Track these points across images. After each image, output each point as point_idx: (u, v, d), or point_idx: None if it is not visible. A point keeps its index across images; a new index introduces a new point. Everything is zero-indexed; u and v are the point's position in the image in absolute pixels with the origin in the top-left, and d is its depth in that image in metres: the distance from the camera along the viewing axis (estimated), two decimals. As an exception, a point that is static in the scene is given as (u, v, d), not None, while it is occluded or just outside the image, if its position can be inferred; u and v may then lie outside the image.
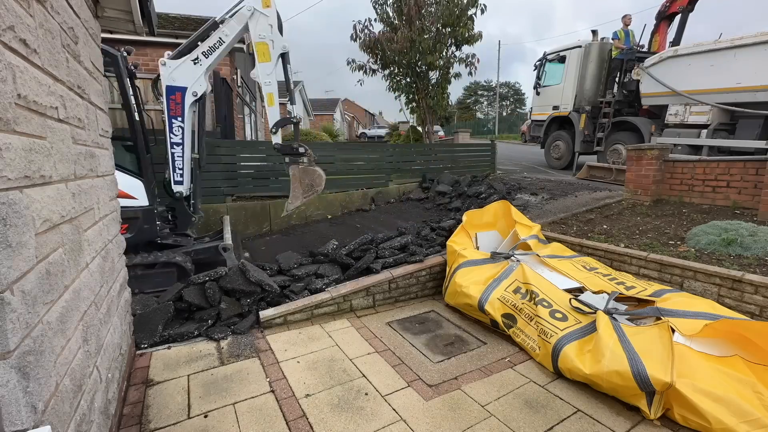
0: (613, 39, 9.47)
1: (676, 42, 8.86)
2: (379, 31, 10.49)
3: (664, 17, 9.07)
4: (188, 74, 4.09)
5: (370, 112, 50.84)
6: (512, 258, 3.65)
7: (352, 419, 2.26)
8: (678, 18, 8.86)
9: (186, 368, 2.75)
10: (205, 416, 2.27)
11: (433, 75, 10.83)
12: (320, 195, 7.21)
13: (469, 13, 9.92)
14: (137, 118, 4.15)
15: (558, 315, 2.88)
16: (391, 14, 10.42)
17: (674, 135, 8.01)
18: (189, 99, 4.13)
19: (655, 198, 5.58)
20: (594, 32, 10.23)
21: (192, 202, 4.59)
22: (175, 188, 4.34)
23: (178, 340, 3.11)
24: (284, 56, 4.14)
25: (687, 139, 7.79)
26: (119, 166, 3.67)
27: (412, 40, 9.66)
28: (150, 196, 4.14)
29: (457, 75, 10.78)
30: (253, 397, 2.44)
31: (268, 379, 2.63)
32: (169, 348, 3.01)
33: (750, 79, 6.83)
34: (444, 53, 10.36)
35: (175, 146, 4.25)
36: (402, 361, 2.88)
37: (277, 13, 4.04)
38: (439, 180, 8.33)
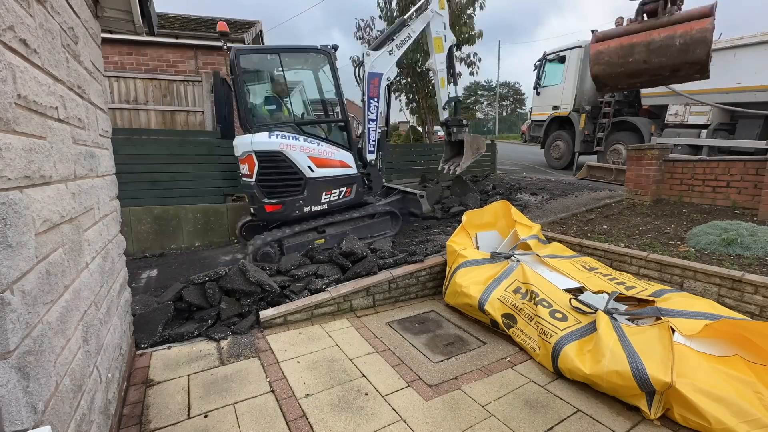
0: None
1: None
2: (379, 31, 10.48)
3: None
4: (385, 63, 5.05)
5: (370, 112, 50.75)
6: (512, 258, 3.65)
7: (352, 419, 2.26)
8: None
9: (186, 368, 2.75)
10: (205, 416, 2.27)
11: (428, 64, 10.83)
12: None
13: (468, 11, 9.92)
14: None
15: (558, 315, 2.88)
16: (394, 11, 10.41)
17: (674, 135, 8.02)
18: (384, 83, 5.10)
19: (655, 198, 5.58)
20: (594, 32, 10.22)
21: (380, 167, 5.54)
22: (369, 157, 5.22)
23: (178, 340, 3.11)
24: (452, 48, 5.57)
25: (687, 139, 7.80)
26: (337, 144, 4.89)
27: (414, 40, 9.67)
28: (356, 164, 5.08)
29: (458, 75, 10.78)
30: (253, 397, 2.44)
31: (268, 379, 2.63)
32: (169, 348, 3.01)
33: (750, 79, 6.84)
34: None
35: (371, 122, 5.10)
36: (402, 361, 2.88)
37: (449, 11, 5.34)
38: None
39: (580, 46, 9.96)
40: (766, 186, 4.32)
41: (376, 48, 5.03)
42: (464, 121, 5.81)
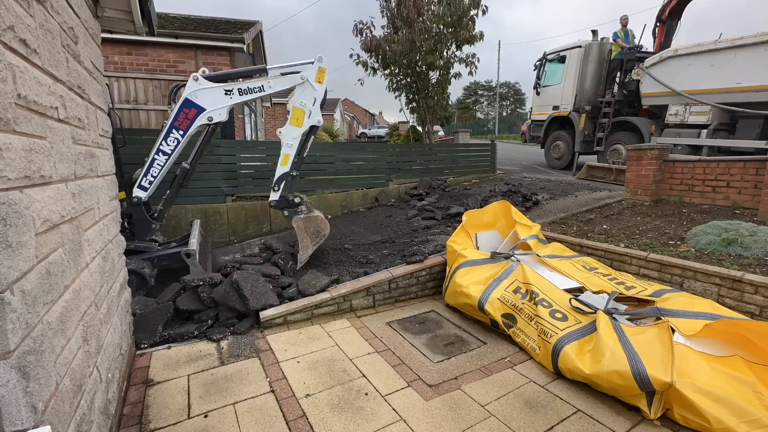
0: (613, 39, 9.49)
1: (665, 44, 8.93)
2: (382, 27, 10.49)
3: (660, 20, 9.10)
4: (214, 100, 4.11)
5: (370, 112, 50.88)
6: (512, 258, 3.65)
7: (352, 419, 2.26)
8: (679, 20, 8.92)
9: (186, 368, 2.75)
10: (205, 416, 2.27)
11: (434, 75, 10.83)
12: (320, 195, 7.23)
13: (471, 14, 9.92)
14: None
15: (558, 315, 2.88)
16: (393, 9, 10.41)
17: (674, 135, 8.01)
18: (201, 120, 4.12)
19: (655, 198, 5.58)
20: (594, 32, 10.24)
21: (160, 209, 4.50)
22: (136, 191, 4.18)
23: (178, 340, 3.11)
24: (312, 129, 4.41)
25: (687, 139, 7.80)
26: None
27: (413, 41, 9.67)
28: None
29: (458, 75, 10.78)
30: (253, 397, 2.44)
31: (268, 379, 2.63)
32: (169, 348, 3.01)
33: (750, 79, 6.83)
34: (444, 53, 10.36)
35: (160, 154, 4.16)
36: (402, 361, 2.88)
37: (326, 91, 4.31)
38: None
39: (580, 46, 9.96)
40: (766, 186, 4.32)
41: (215, 79, 4.12)
42: (297, 199, 4.54)
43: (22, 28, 1.20)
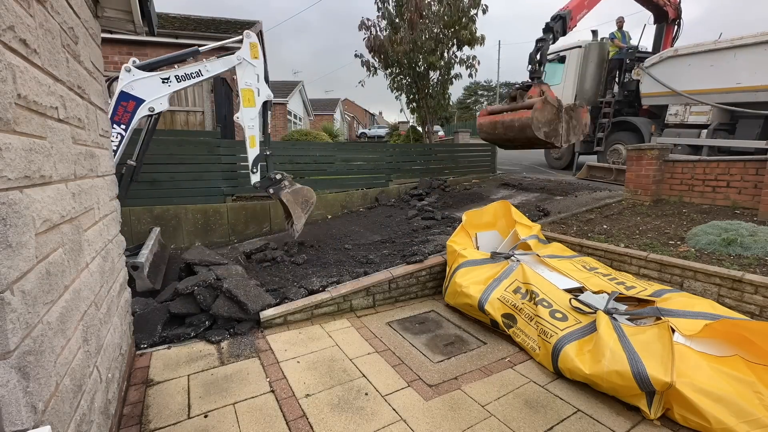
0: (610, 39, 9.51)
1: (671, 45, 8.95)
2: (384, 36, 10.49)
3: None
4: (152, 89, 4.02)
5: (370, 112, 50.85)
6: (512, 258, 3.65)
7: (352, 419, 2.26)
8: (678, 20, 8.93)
9: (186, 368, 2.75)
10: (205, 416, 2.27)
11: (434, 75, 10.84)
12: (320, 195, 7.23)
13: (471, 13, 9.93)
14: None
15: (558, 315, 2.88)
16: (392, 11, 10.42)
17: (674, 135, 8.02)
18: (142, 112, 4.02)
19: (655, 198, 5.58)
20: (594, 32, 10.23)
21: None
22: None
23: (177, 341, 3.11)
24: (266, 104, 4.55)
25: (687, 139, 7.80)
26: None
27: (414, 41, 9.67)
28: None
29: (458, 76, 10.79)
30: (253, 397, 2.44)
31: (268, 379, 2.63)
32: (169, 348, 3.01)
33: (750, 79, 6.83)
34: (445, 54, 10.37)
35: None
36: (402, 361, 2.88)
37: (265, 64, 4.38)
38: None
39: (580, 46, 9.95)
40: (766, 186, 4.32)
41: (148, 67, 4.04)
42: (278, 175, 4.79)
43: (22, 28, 1.20)
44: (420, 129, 12.85)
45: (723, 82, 7.19)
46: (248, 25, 9.64)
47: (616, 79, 9.59)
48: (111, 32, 2.85)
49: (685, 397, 2.11)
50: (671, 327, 2.42)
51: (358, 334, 3.30)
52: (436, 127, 15.65)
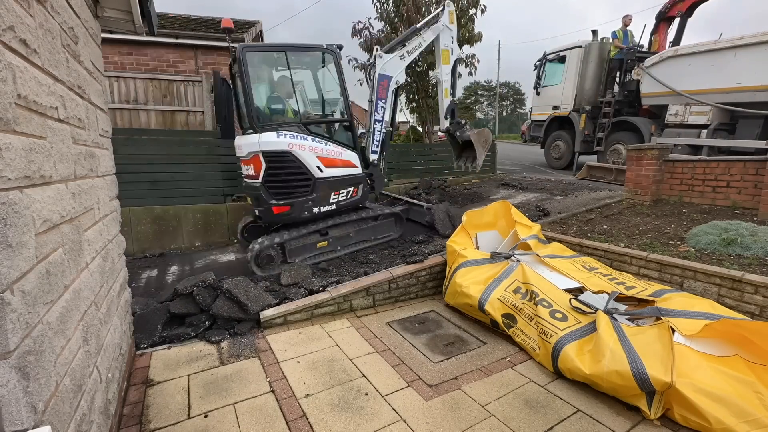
0: (612, 39, 9.48)
1: (675, 43, 8.89)
2: (379, 30, 10.48)
3: (663, 18, 9.09)
4: (395, 67, 5.17)
5: (370, 112, 50.71)
6: (512, 258, 3.65)
7: (352, 419, 2.26)
8: (677, 20, 8.90)
9: (186, 368, 2.75)
10: (205, 416, 2.27)
11: (433, 75, 10.82)
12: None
13: (470, 13, 9.92)
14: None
15: (558, 315, 2.88)
16: (390, 11, 10.41)
17: (674, 135, 8.01)
18: (393, 86, 5.20)
19: (655, 198, 5.58)
20: (594, 32, 10.24)
21: (383, 167, 5.49)
22: (372, 157, 5.21)
23: (178, 341, 3.11)
24: (457, 61, 5.78)
25: (687, 139, 7.80)
26: (343, 144, 4.86)
27: None
28: (363, 165, 5.08)
29: (458, 75, 10.78)
30: (253, 397, 2.44)
31: (268, 379, 2.63)
32: (169, 348, 3.01)
33: (750, 79, 6.83)
34: (444, 53, 10.36)
35: (377, 122, 5.16)
36: (402, 361, 2.88)
37: (457, 28, 5.60)
38: None
39: (580, 46, 9.95)
40: (766, 186, 4.32)
41: (389, 51, 5.15)
42: (462, 121, 6.06)
43: (22, 28, 1.20)
44: (420, 129, 12.84)
45: (723, 82, 7.19)
46: (248, 25, 9.64)
47: (617, 79, 9.59)
48: (111, 32, 2.85)
49: (685, 397, 2.11)
50: (671, 327, 2.42)
51: (358, 334, 3.30)
52: (436, 127, 15.65)
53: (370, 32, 10.34)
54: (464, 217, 4.41)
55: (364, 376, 2.69)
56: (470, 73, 10.69)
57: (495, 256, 3.81)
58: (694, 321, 2.50)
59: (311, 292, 3.66)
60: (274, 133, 4.32)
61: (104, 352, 1.94)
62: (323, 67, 5.09)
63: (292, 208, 4.48)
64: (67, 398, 1.37)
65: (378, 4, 10.51)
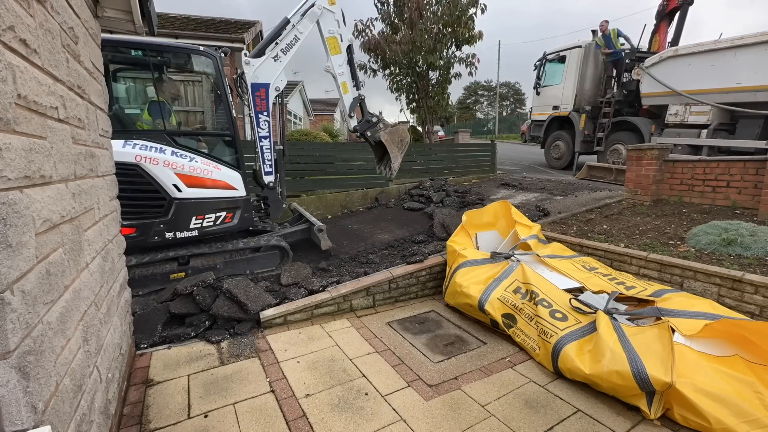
0: (596, 49, 9.52)
1: (676, 37, 8.87)
2: (380, 32, 10.48)
3: (663, 16, 9.08)
4: (270, 71, 4.39)
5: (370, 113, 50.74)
6: (512, 258, 3.65)
7: (352, 419, 2.26)
8: (678, 14, 8.87)
9: (186, 368, 2.75)
10: (205, 416, 2.27)
11: (434, 75, 10.83)
12: (319, 195, 7.23)
13: (470, 12, 9.93)
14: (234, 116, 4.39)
15: (558, 315, 2.88)
16: (392, 13, 10.41)
17: (674, 135, 8.02)
18: (272, 94, 4.43)
19: (655, 198, 5.58)
20: (594, 32, 10.24)
21: (279, 190, 4.85)
22: (266, 178, 4.65)
23: (178, 341, 3.11)
24: (350, 48, 4.73)
25: (687, 139, 7.80)
26: (221, 160, 4.21)
27: (413, 41, 9.67)
28: (246, 187, 4.43)
29: (458, 75, 10.79)
30: (253, 397, 2.44)
31: (268, 379, 2.63)
32: (169, 348, 3.01)
33: (750, 79, 6.84)
34: (444, 53, 10.36)
35: (263, 139, 4.52)
36: (402, 361, 2.88)
37: (341, 8, 4.59)
38: None
39: (580, 46, 9.96)
40: (766, 186, 4.32)
41: (258, 54, 4.33)
42: (374, 118, 5.02)
43: (22, 28, 1.20)
44: (420, 129, 12.85)
45: (723, 82, 7.20)
46: (248, 25, 9.65)
47: (616, 79, 9.59)
48: (111, 32, 2.85)
49: (685, 397, 2.11)
50: (671, 327, 2.42)
51: (358, 334, 3.30)
52: (436, 127, 15.64)
53: (371, 31, 10.34)
54: (464, 217, 4.41)
55: (364, 376, 2.69)
56: (470, 73, 10.69)
57: (495, 256, 3.81)
58: (694, 321, 2.50)
59: (311, 292, 3.66)
60: (122, 141, 3.63)
61: (104, 352, 1.94)
62: (203, 73, 4.51)
63: (138, 231, 3.78)
64: (67, 398, 1.37)
65: (379, 5, 10.52)
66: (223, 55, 4.21)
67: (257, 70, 4.29)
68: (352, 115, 4.87)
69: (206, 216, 4.08)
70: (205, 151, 4.22)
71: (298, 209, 5.89)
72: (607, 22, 9.32)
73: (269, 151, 4.59)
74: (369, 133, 4.98)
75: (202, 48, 4.10)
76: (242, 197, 4.35)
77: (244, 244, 4.45)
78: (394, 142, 4.93)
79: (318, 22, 4.48)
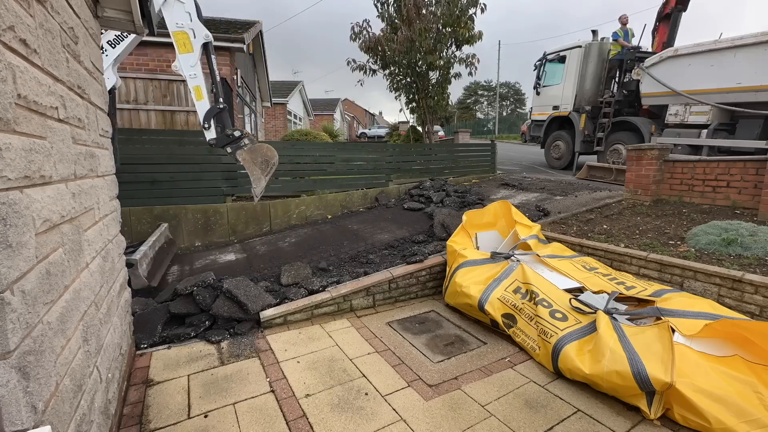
0: (613, 39, 9.48)
1: (669, 42, 8.89)
2: (381, 30, 10.48)
3: (662, 18, 9.09)
4: None
5: (370, 112, 50.85)
6: (512, 258, 3.65)
7: (352, 419, 2.26)
8: (671, 19, 8.90)
9: (186, 368, 2.75)
10: (205, 416, 2.27)
11: (434, 75, 10.83)
12: (319, 195, 7.22)
13: (470, 12, 9.92)
14: None
15: (558, 315, 2.88)
16: (392, 13, 10.41)
17: (674, 135, 8.02)
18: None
19: (655, 198, 5.58)
20: (594, 32, 10.24)
21: None
22: None
23: (178, 341, 3.11)
24: (207, 46, 3.82)
25: (687, 139, 7.80)
26: None
27: (412, 41, 9.66)
28: None
29: (457, 75, 10.78)
30: (253, 397, 2.44)
31: (268, 379, 2.63)
32: (169, 348, 3.01)
33: (750, 79, 6.83)
34: (444, 53, 10.36)
35: None
36: (402, 361, 2.88)
37: (195, 1, 3.73)
38: None
39: (580, 46, 9.96)
40: (766, 186, 4.32)
41: None
42: (236, 132, 4.07)
43: (22, 28, 1.20)
44: (420, 129, 12.84)
45: (723, 82, 7.19)
46: (248, 24, 9.64)
47: (616, 79, 9.59)
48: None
49: (685, 397, 2.11)
50: (671, 327, 2.42)
51: (358, 334, 3.30)
52: (436, 127, 15.63)
53: (368, 33, 10.34)
54: (464, 217, 4.41)
55: (364, 376, 2.69)
56: (470, 73, 10.68)
57: (495, 256, 3.81)
58: (694, 321, 2.50)
59: (311, 292, 3.67)
60: None
61: (104, 352, 1.94)
62: None
63: None
64: (67, 398, 1.37)
65: (379, 5, 10.51)
66: None
67: None
68: (207, 126, 3.97)
69: None
70: None
71: (155, 231, 4.92)
72: (626, 16, 9.33)
73: None
74: (229, 149, 4.13)
75: None
76: None
77: None
78: (255, 162, 4.18)
79: (162, 12, 3.61)
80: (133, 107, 7.52)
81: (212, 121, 3.96)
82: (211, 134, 4.04)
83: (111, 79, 3.84)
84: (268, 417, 2.27)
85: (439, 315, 3.72)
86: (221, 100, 3.97)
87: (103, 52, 3.66)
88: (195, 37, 3.77)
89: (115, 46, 3.85)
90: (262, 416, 2.27)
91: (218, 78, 4.00)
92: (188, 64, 3.80)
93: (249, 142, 4.20)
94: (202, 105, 3.94)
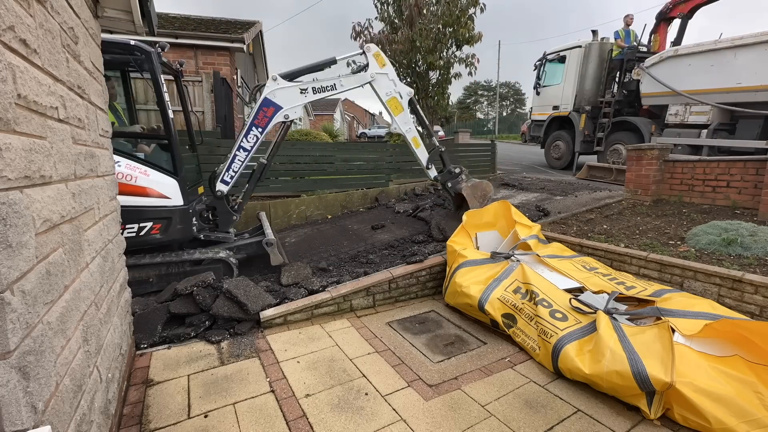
0: (615, 39, 9.48)
1: (676, 43, 8.89)
2: (380, 31, 10.48)
3: (664, 18, 9.09)
4: (290, 98, 4.22)
5: (370, 113, 50.81)
6: (512, 258, 3.65)
7: (352, 419, 2.26)
8: (679, 21, 8.91)
9: (186, 368, 2.75)
10: (205, 416, 2.27)
11: (434, 75, 10.82)
12: (319, 195, 7.23)
13: (470, 12, 9.93)
14: (172, 117, 3.99)
15: (558, 315, 2.88)
16: (392, 13, 10.41)
17: (674, 135, 8.02)
18: (278, 118, 4.25)
19: (655, 198, 5.58)
20: (594, 32, 10.24)
21: (240, 202, 4.63)
22: (219, 186, 4.34)
23: (178, 341, 3.11)
24: (411, 100, 4.61)
25: (687, 139, 7.80)
26: (154, 165, 3.83)
27: (413, 41, 9.66)
28: (185, 195, 3.99)
29: (458, 75, 10.78)
30: (253, 397, 2.44)
31: (268, 379, 2.63)
32: (169, 348, 3.01)
33: (750, 79, 6.83)
34: (444, 53, 10.36)
35: (241, 150, 4.29)
36: (402, 361, 2.88)
37: (391, 65, 4.51)
38: None
39: (580, 46, 9.96)
40: (766, 186, 4.32)
41: (290, 76, 4.21)
42: (457, 169, 4.93)
43: (22, 28, 1.20)
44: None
45: (723, 82, 7.19)
46: (248, 25, 9.64)
47: (616, 79, 9.59)
48: (111, 32, 2.85)
49: (685, 397, 2.11)
50: (671, 327, 2.42)
51: (358, 334, 3.30)
52: (437, 127, 15.64)
53: (369, 32, 10.34)
54: (464, 217, 4.41)
55: (364, 376, 2.69)
56: (470, 74, 10.69)
57: (495, 256, 3.81)
58: (694, 321, 2.50)
59: (311, 292, 3.66)
60: None
61: (104, 352, 1.94)
62: (137, 70, 4.04)
63: None
64: (67, 398, 1.37)
65: (379, 5, 10.51)
66: (160, 50, 3.92)
67: (278, 90, 4.16)
68: (430, 167, 4.80)
69: (126, 226, 3.60)
70: (142, 155, 3.86)
71: (260, 218, 5.47)
72: (631, 16, 9.31)
73: (240, 163, 4.32)
74: (450, 184, 4.93)
75: (133, 42, 3.68)
76: (176, 206, 3.91)
77: (177, 257, 4.05)
78: (476, 197, 4.84)
79: (372, 87, 4.43)
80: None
81: (432, 162, 4.84)
82: (433, 173, 4.86)
83: (297, 113, 4.36)
84: (268, 417, 2.27)
85: (439, 315, 3.72)
86: (436, 143, 4.95)
87: (303, 93, 4.23)
88: (402, 97, 4.55)
89: (317, 93, 4.30)
90: (262, 416, 2.27)
91: (427, 122, 4.99)
92: (403, 122, 4.60)
93: (465, 178, 4.98)
94: (421, 152, 4.77)
